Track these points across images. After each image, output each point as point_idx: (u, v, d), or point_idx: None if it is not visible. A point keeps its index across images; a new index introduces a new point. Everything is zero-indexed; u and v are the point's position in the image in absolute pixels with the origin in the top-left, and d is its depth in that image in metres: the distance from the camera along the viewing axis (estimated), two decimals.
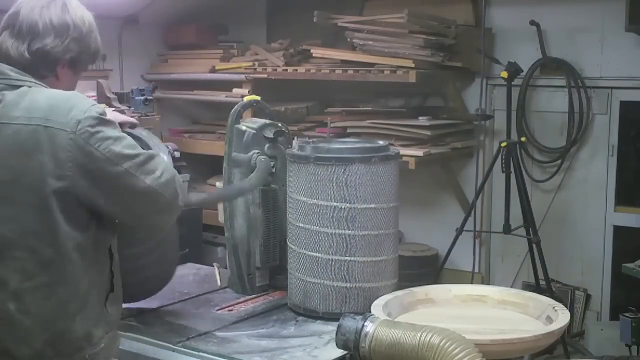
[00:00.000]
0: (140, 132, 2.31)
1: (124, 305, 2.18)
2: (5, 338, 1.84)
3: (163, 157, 2.07)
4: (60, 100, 1.86)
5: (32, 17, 1.90)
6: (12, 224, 1.82)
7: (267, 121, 2.79)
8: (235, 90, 4.87)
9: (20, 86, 1.90)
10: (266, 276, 2.81)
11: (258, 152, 2.68)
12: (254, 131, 2.71)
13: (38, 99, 1.86)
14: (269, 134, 2.71)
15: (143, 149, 1.97)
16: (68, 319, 1.87)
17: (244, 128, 2.73)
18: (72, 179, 1.81)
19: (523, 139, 4.52)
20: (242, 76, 4.87)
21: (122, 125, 2.18)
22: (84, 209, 1.86)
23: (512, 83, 4.25)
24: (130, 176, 1.87)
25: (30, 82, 1.91)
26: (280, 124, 2.83)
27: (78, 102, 1.86)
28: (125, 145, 1.88)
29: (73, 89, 2.02)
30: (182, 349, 2.29)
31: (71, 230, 1.84)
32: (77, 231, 1.86)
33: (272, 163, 2.71)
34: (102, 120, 1.86)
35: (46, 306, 1.85)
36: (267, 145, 2.72)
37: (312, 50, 4.79)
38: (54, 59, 1.93)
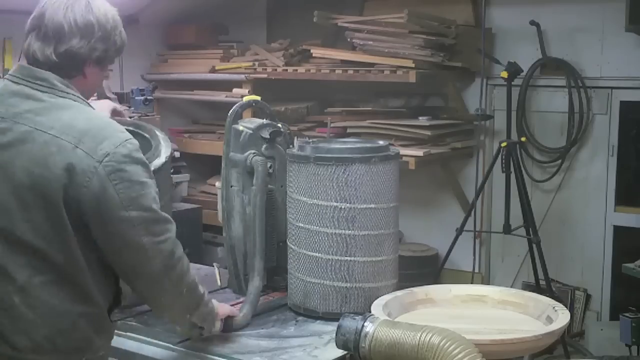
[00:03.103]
0: (144, 130, 2.33)
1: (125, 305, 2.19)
2: (6, 327, 1.88)
3: (175, 227, 1.98)
4: (97, 127, 1.87)
5: (56, 19, 1.91)
6: (25, 226, 1.84)
7: (265, 121, 2.78)
8: (235, 90, 4.87)
9: (64, 97, 1.92)
10: (263, 277, 2.80)
11: (254, 153, 2.67)
12: (250, 131, 2.71)
13: (77, 117, 1.87)
14: (266, 134, 2.71)
15: (145, 147, 1.96)
16: (70, 320, 1.89)
17: (241, 128, 2.73)
18: (84, 204, 1.82)
19: (523, 139, 4.52)
20: (242, 76, 4.87)
21: (113, 114, 2.23)
22: (86, 230, 1.88)
23: (512, 83, 4.25)
24: (129, 227, 1.85)
25: (74, 95, 1.93)
26: (280, 124, 2.83)
27: (113, 133, 1.88)
28: (145, 195, 1.87)
29: (100, 83, 2.09)
30: (182, 349, 2.29)
31: (80, 242, 1.86)
32: (88, 246, 1.88)
33: (269, 164, 2.71)
34: (132, 158, 1.86)
35: (50, 303, 1.86)
36: (264, 146, 2.72)
37: (312, 50, 4.79)
38: (81, 59, 1.94)
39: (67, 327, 1.89)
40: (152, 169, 2.05)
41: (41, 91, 1.90)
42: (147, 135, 2.64)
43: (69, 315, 1.89)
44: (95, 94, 4.64)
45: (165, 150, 2.62)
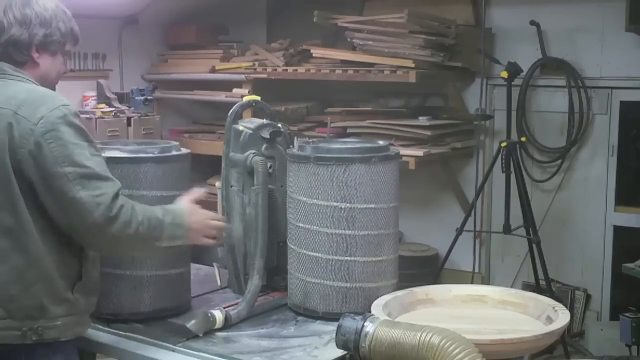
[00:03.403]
0: None
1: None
2: None
3: (118, 186, 2.06)
4: (36, 96, 2.05)
5: None
6: None
7: (265, 121, 2.78)
8: (235, 90, 4.87)
9: (14, 79, 2.11)
10: (263, 277, 2.79)
11: (254, 153, 2.67)
12: (250, 131, 2.71)
13: (19, 90, 2.07)
14: (266, 134, 2.71)
15: None
16: (22, 286, 2.01)
17: (241, 128, 2.72)
18: (24, 162, 1.97)
19: (523, 139, 4.52)
20: (242, 76, 4.87)
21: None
22: (32, 192, 2.01)
23: (512, 83, 4.25)
24: (65, 181, 1.97)
25: (24, 77, 2.12)
26: (280, 124, 2.82)
27: (51, 99, 2.05)
28: (79, 154, 1.99)
29: (58, 70, 2.22)
30: (182, 349, 2.29)
31: (29, 208, 2.00)
32: (38, 210, 2.01)
33: (269, 164, 2.71)
34: (66, 121, 2.01)
35: (1, 270, 2.00)
36: (264, 146, 2.72)
37: (312, 50, 4.79)
38: (23, 45, 2.12)
39: (18, 293, 2.00)
40: None
41: None
42: None
43: (20, 282, 2.00)
44: (95, 96, 4.66)
45: None
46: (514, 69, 4.21)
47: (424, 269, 4.61)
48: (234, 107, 2.80)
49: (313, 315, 2.51)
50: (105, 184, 2.01)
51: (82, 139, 2.02)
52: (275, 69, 4.81)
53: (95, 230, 2.00)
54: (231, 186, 2.75)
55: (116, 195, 2.02)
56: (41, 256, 2.02)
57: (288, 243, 2.59)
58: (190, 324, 2.32)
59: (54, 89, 2.19)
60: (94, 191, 1.98)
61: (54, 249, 2.05)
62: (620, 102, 4.45)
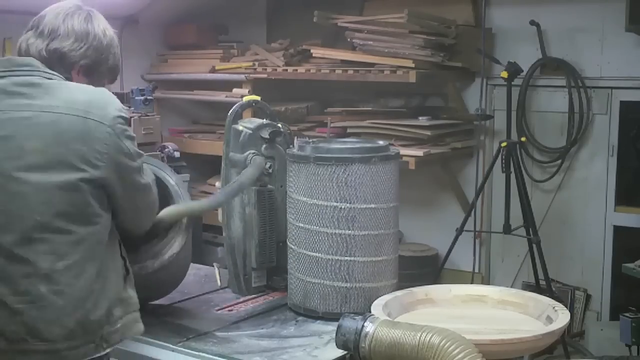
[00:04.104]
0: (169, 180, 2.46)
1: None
2: (36, 320, 1.87)
3: None
4: (97, 95, 1.97)
5: (55, 22, 2.01)
6: (44, 208, 1.87)
7: (265, 121, 2.78)
8: (235, 90, 4.87)
9: (51, 79, 1.97)
10: (263, 277, 2.80)
11: (254, 153, 2.67)
12: (250, 131, 2.71)
13: (75, 91, 1.96)
14: (265, 134, 2.71)
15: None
16: (94, 297, 1.94)
17: (240, 128, 2.73)
18: (105, 168, 1.93)
19: (523, 139, 4.52)
20: (242, 76, 4.87)
21: None
22: (106, 195, 1.98)
23: (512, 83, 4.25)
24: (138, 172, 2.04)
25: (59, 76, 1.99)
26: (280, 124, 2.82)
27: (111, 99, 1.99)
28: (136, 145, 2.04)
29: None
30: (182, 349, 2.29)
31: (101, 211, 1.96)
32: (106, 215, 1.99)
33: (268, 163, 2.71)
34: (127, 120, 2.01)
35: (77, 285, 1.91)
36: (264, 146, 2.72)
37: (312, 50, 4.79)
38: (69, 62, 2.02)
39: (92, 306, 1.93)
40: None
41: (30, 75, 1.95)
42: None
43: (92, 294, 1.93)
44: None
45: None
46: (514, 69, 4.20)
47: (424, 269, 4.61)
48: (234, 107, 2.80)
49: (313, 315, 2.51)
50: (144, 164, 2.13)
51: (130, 130, 2.04)
52: (275, 69, 4.81)
53: (156, 205, 2.19)
54: None
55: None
56: (106, 262, 1.99)
57: (288, 243, 2.59)
58: None
59: None
60: (147, 173, 2.13)
61: (111, 249, 2.02)
62: (620, 102, 4.45)
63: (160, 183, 2.37)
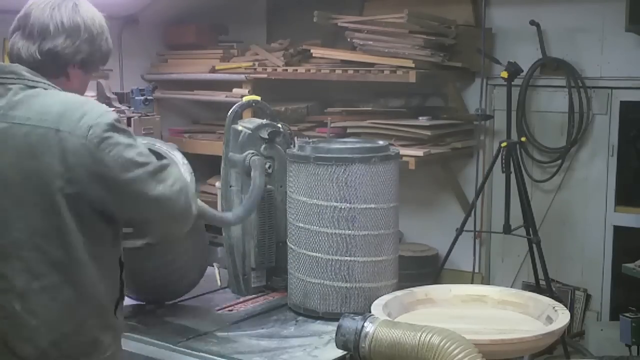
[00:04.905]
0: (160, 147, 2.35)
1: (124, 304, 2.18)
2: (11, 336, 1.83)
3: (176, 167, 2.09)
4: (74, 106, 1.85)
5: (42, 18, 1.91)
6: (21, 224, 1.81)
7: (264, 121, 2.78)
8: (235, 90, 4.87)
9: (35, 87, 1.89)
10: (262, 277, 2.80)
11: (253, 153, 2.67)
12: (249, 131, 2.71)
13: (51, 102, 1.85)
14: (265, 134, 2.71)
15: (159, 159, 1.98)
16: (75, 322, 1.86)
17: (240, 128, 2.73)
18: (84, 184, 1.81)
19: (523, 139, 4.52)
20: (242, 76, 4.87)
21: None
22: (98, 215, 1.86)
23: (512, 83, 4.25)
24: (141, 183, 1.86)
25: (45, 83, 1.91)
26: (280, 124, 2.82)
27: (91, 108, 1.86)
28: (138, 153, 1.88)
29: (85, 89, 2.04)
30: (182, 349, 2.29)
31: (84, 235, 1.84)
32: (92, 237, 1.86)
33: (268, 163, 2.71)
34: (114, 127, 1.85)
35: (52, 307, 1.83)
36: (263, 146, 2.72)
37: (312, 50, 4.79)
38: (64, 60, 1.93)
39: (72, 331, 1.85)
40: None
41: (10, 84, 1.88)
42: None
43: (72, 319, 1.85)
44: (95, 96, 4.65)
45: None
46: (514, 69, 4.20)
47: (424, 269, 4.61)
48: (234, 107, 2.80)
49: (313, 315, 2.51)
50: (169, 170, 1.95)
51: (133, 139, 1.90)
52: (275, 69, 4.80)
53: (184, 215, 2.00)
54: (230, 186, 2.75)
55: (180, 175, 2.02)
56: (94, 286, 1.87)
57: (288, 243, 2.60)
58: None
59: None
60: (166, 182, 1.91)
61: (105, 273, 1.91)
62: (620, 102, 4.45)
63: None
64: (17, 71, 1.90)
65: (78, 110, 1.84)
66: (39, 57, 1.90)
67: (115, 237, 1.95)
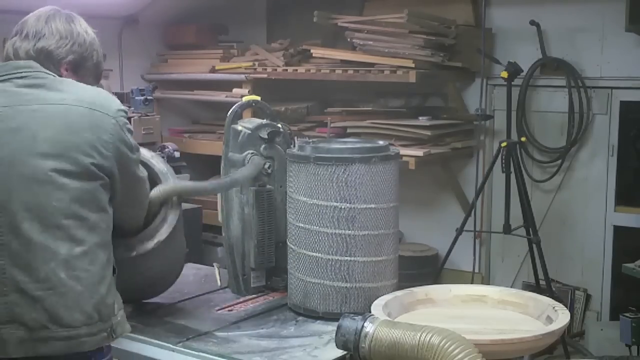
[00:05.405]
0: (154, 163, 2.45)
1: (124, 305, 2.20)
2: (57, 306, 1.90)
3: None
4: (98, 92, 2.09)
5: (38, 25, 2.09)
6: (60, 194, 1.92)
7: (264, 121, 2.78)
8: (235, 90, 4.87)
9: (49, 76, 2.05)
10: (262, 277, 2.80)
11: (252, 153, 2.67)
12: (249, 131, 2.71)
13: (80, 87, 2.07)
14: (264, 134, 2.71)
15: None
16: (106, 283, 2.00)
17: (239, 128, 2.73)
18: (109, 157, 2.01)
19: (523, 139, 4.52)
20: (242, 76, 4.87)
21: None
22: (107, 190, 2.05)
23: (512, 83, 4.25)
24: (137, 165, 2.14)
25: (54, 75, 2.06)
26: (280, 124, 2.82)
27: (111, 96, 2.12)
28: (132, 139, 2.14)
29: None
30: (182, 349, 2.29)
31: (107, 199, 2.04)
32: (111, 204, 2.06)
33: (267, 164, 2.71)
34: (127, 114, 2.12)
35: (92, 270, 1.96)
36: (262, 146, 2.72)
37: (312, 50, 4.79)
38: (57, 59, 2.09)
39: (106, 292, 1.99)
40: None
41: (34, 77, 2.03)
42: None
43: (105, 280, 1.99)
44: None
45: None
46: (514, 69, 4.21)
47: (424, 269, 4.61)
48: (234, 107, 2.80)
49: (313, 315, 2.51)
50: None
51: (130, 124, 2.13)
52: (275, 69, 4.81)
53: (146, 199, 2.28)
54: None
55: None
56: (112, 248, 2.06)
57: (288, 243, 2.59)
58: None
59: None
60: (141, 167, 2.21)
61: (113, 236, 2.09)
62: (620, 102, 4.45)
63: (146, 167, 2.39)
64: (32, 65, 2.05)
65: (104, 95, 2.08)
66: (33, 54, 2.07)
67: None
